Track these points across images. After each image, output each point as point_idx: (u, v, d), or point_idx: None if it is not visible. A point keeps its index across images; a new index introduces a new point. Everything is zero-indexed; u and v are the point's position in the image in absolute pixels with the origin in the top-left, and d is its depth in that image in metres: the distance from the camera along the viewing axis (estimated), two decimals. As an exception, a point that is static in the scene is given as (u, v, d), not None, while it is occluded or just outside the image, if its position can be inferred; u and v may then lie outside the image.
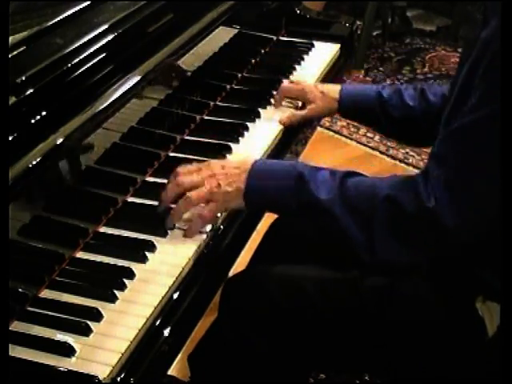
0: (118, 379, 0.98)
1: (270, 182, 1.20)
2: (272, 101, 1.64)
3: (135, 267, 1.14)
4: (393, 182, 1.15)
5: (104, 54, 1.25)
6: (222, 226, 1.26)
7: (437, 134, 1.18)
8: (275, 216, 1.59)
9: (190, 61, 1.52)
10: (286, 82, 1.67)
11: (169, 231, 1.22)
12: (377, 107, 1.56)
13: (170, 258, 1.17)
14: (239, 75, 1.74)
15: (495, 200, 1.04)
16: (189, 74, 1.52)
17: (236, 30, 1.73)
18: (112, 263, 1.15)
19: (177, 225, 1.23)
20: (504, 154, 1.00)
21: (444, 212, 1.06)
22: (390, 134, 1.70)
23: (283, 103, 1.64)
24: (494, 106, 1.04)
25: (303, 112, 1.61)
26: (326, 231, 1.21)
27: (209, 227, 1.23)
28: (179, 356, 1.13)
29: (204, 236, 1.22)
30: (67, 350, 1.00)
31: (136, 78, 1.29)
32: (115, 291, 1.10)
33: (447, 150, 1.10)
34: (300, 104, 1.64)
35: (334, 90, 1.60)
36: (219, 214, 1.25)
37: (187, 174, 1.23)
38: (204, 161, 1.38)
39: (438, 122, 1.24)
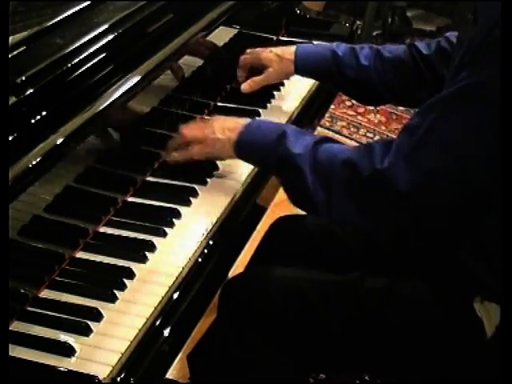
0: (118, 379, 0.98)
1: (259, 136, 1.27)
2: (276, 96, 1.66)
3: (135, 267, 1.14)
4: (354, 148, 1.21)
5: (104, 54, 1.25)
6: (222, 227, 1.26)
7: (390, 96, 1.19)
8: (275, 216, 1.59)
9: (190, 61, 1.52)
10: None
11: (169, 231, 1.22)
12: (332, 66, 1.56)
13: (170, 258, 1.17)
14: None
15: (450, 175, 1.08)
16: (189, 73, 1.52)
17: (236, 30, 1.73)
18: (112, 263, 1.16)
19: (176, 225, 1.23)
20: (504, 155, 1.00)
21: (395, 175, 1.09)
22: (346, 93, 1.70)
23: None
24: (466, 83, 1.06)
25: (262, 77, 1.60)
26: (293, 188, 1.23)
27: (209, 227, 1.23)
28: (179, 356, 1.13)
29: (204, 236, 1.22)
30: (67, 350, 1.01)
31: (136, 78, 1.29)
32: (115, 291, 1.10)
33: (418, 122, 1.12)
34: None
35: (288, 51, 1.60)
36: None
37: (195, 129, 1.36)
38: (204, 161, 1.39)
39: (390, 83, 1.32)
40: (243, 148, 1.29)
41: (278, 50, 1.61)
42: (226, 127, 1.30)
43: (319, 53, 1.59)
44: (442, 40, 1.49)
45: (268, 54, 1.60)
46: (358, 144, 3.14)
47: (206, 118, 1.40)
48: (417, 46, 1.52)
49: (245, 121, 1.31)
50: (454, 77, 1.11)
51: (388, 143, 1.14)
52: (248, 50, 1.66)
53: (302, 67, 1.58)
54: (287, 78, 1.66)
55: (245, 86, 1.60)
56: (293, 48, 1.59)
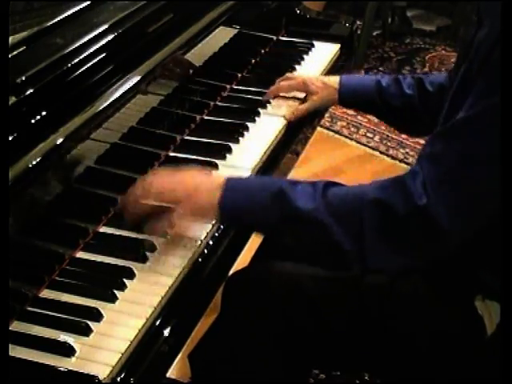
0: (118, 379, 0.98)
1: (248, 197, 1.14)
2: (271, 101, 1.65)
3: (135, 267, 1.14)
4: (378, 185, 1.10)
5: (104, 54, 1.25)
6: (222, 226, 1.26)
7: (435, 124, 1.17)
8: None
9: (190, 61, 1.52)
10: (282, 80, 1.67)
11: (169, 231, 1.22)
12: (376, 96, 1.57)
13: (170, 258, 1.17)
14: (239, 75, 1.74)
15: (489, 199, 1.04)
16: (190, 73, 1.52)
17: (236, 30, 1.73)
18: (112, 263, 1.16)
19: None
20: (504, 152, 1.00)
21: (437, 210, 1.03)
22: (390, 123, 1.70)
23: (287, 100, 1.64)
24: (486, 104, 1.04)
25: (307, 104, 1.62)
26: (311, 244, 1.13)
27: (209, 227, 1.23)
28: (179, 356, 1.13)
29: (204, 236, 1.22)
30: (67, 350, 1.00)
31: (136, 78, 1.29)
32: (115, 291, 1.10)
33: (440, 149, 1.08)
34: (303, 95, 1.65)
35: (334, 80, 1.61)
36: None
37: (161, 181, 1.19)
38: (204, 161, 1.39)
39: (435, 112, 1.23)
40: (230, 213, 1.15)
41: (324, 78, 1.64)
42: (199, 187, 1.15)
43: (363, 83, 1.60)
44: None
45: (314, 80, 1.62)
46: (367, 148, 3.14)
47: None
48: None
49: (217, 180, 1.15)
50: (464, 87, 1.09)
51: (415, 175, 1.06)
52: (289, 75, 1.68)
53: (346, 97, 1.60)
54: (330, 106, 1.68)
55: (290, 116, 1.59)
56: (337, 78, 1.61)
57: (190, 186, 1.16)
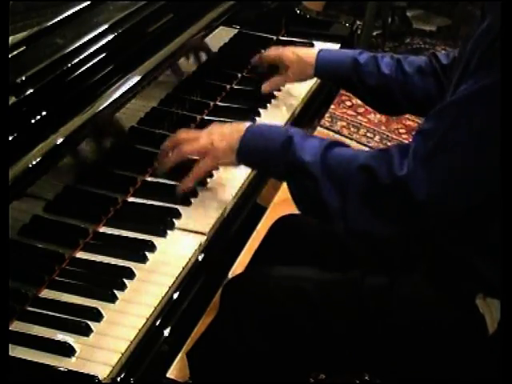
0: (118, 379, 0.98)
1: (262, 142, 1.23)
2: (276, 96, 1.66)
3: (135, 267, 1.14)
4: (369, 153, 1.17)
5: (104, 54, 1.25)
6: (222, 227, 1.26)
7: (410, 106, 1.18)
8: (275, 216, 1.59)
9: (191, 61, 1.52)
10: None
11: (168, 231, 1.22)
12: (353, 74, 1.56)
13: (170, 258, 1.17)
14: (239, 75, 1.74)
15: (472, 177, 1.07)
16: (190, 72, 1.52)
17: (236, 30, 1.73)
18: (112, 263, 1.16)
19: (176, 225, 1.23)
20: (503, 155, 1.00)
21: (415, 182, 1.07)
22: (365, 101, 1.68)
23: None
24: (477, 86, 1.05)
25: (282, 78, 1.63)
26: (306, 196, 1.20)
27: (209, 227, 1.24)
28: (179, 356, 1.13)
29: (204, 236, 1.22)
30: (67, 350, 1.01)
31: (136, 78, 1.29)
32: (115, 291, 1.10)
33: (431, 125, 1.11)
34: None
35: (310, 54, 1.60)
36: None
37: (186, 133, 1.31)
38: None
39: (411, 93, 1.28)
40: (246, 154, 1.25)
41: (301, 51, 1.63)
42: (224, 134, 1.26)
43: (340, 59, 1.59)
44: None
45: (290, 54, 1.62)
46: (366, 147, 3.15)
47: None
48: (437, 55, 1.51)
49: (244, 125, 1.27)
50: (463, 76, 1.11)
51: (405, 148, 1.11)
52: (272, 48, 1.69)
53: (321, 72, 1.60)
54: (305, 80, 1.66)
55: (265, 87, 1.62)
56: (315, 51, 1.60)
57: (216, 134, 1.27)
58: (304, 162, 1.16)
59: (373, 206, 1.12)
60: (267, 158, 1.23)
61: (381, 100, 1.58)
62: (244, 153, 1.24)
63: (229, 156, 1.25)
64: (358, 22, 2.08)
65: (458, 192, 1.09)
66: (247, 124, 1.28)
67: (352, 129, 3.29)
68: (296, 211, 1.25)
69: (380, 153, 1.16)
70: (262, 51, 1.70)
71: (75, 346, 1.01)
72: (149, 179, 1.35)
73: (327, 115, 3.24)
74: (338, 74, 1.59)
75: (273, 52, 1.66)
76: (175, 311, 1.10)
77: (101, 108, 1.20)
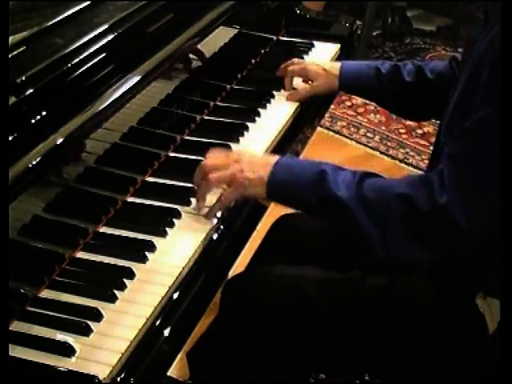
0: (118, 379, 0.98)
1: (294, 175, 1.21)
2: (276, 96, 1.66)
3: (135, 267, 1.14)
4: (408, 181, 1.16)
5: (104, 54, 1.25)
6: (222, 227, 1.26)
7: (435, 112, 1.17)
8: (275, 216, 1.59)
9: (190, 61, 1.52)
10: (287, 65, 1.70)
11: (169, 231, 1.22)
12: (375, 84, 1.58)
13: (170, 258, 1.17)
14: (239, 75, 1.74)
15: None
16: (190, 72, 1.52)
17: (236, 30, 1.73)
18: (112, 263, 1.16)
19: (176, 225, 1.23)
20: (504, 154, 1.00)
21: (456, 209, 1.07)
22: (390, 110, 1.73)
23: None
24: (497, 104, 1.05)
25: (308, 88, 1.65)
26: (342, 228, 1.21)
27: (209, 226, 1.24)
28: (179, 356, 1.13)
29: (204, 236, 1.22)
30: (67, 350, 1.01)
31: (136, 78, 1.29)
32: (115, 291, 1.10)
33: (458, 150, 1.11)
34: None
35: (335, 67, 1.63)
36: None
37: (214, 159, 1.27)
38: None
39: (433, 99, 1.26)
40: (277, 189, 1.22)
41: (326, 64, 1.66)
42: (254, 164, 1.23)
43: (363, 70, 1.61)
44: None
45: (315, 67, 1.64)
46: (367, 147, 3.15)
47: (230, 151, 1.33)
48: (457, 58, 1.51)
49: (274, 158, 1.24)
50: (473, 87, 1.10)
51: (440, 173, 1.11)
52: (295, 60, 1.70)
53: (345, 84, 1.62)
54: (331, 92, 1.69)
55: (290, 97, 1.64)
56: (339, 64, 1.63)
57: (246, 164, 1.24)
58: (337, 195, 1.15)
59: (414, 233, 1.12)
60: (298, 192, 1.20)
61: (405, 108, 1.61)
62: (274, 187, 1.21)
63: (258, 189, 1.22)
64: (358, 22, 2.08)
65: (491, 215, 1.08)
66: (277, 157, 1.25)
67: (352, 129, 3.29)
68: (296, 211, 1.25)
69: (418, 179, 1.15)
70: (289, 68, 1.69)
71: (75, 345, 1.01)
72: (149, 179, 1.35)
73: (327, 115, 3.23)
74: (361, 85, 1.62)
75: (297, 66, 1.67)
76: (175, 311, 1.10)
77: (101, 108, 1.20)
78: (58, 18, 1.26)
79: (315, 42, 1.92)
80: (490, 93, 1.07)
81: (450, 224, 1.08)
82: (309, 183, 1.18)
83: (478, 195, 1.08)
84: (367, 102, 3.28)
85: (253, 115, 1.57)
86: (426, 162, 1.20)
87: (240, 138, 1.49)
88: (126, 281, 1.12)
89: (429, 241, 1.12)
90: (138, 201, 1.30)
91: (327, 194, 1.16)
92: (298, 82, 1.69)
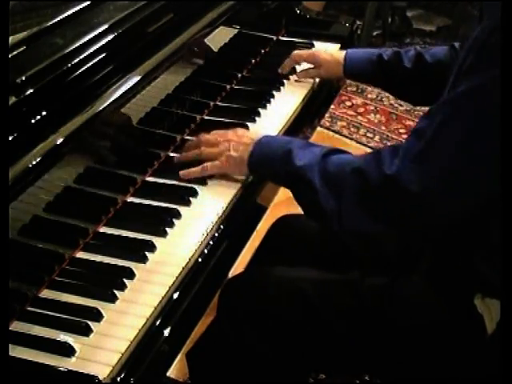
0: (118, 379, 0.98)
1: (269, 153, 1.29)
2: (276, 96, 1.66)
3: (135, 267, 1.14)
4: (363, 156, 1.21)
5: (104, 54, 1.25)
6: (222, 227, 1.26)
7: (435, 96, 1.20)
8: (275, 216, 1.59)
9: (190, 61, 1.52)
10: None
11: (169, 231, 1.22)
12: (378, 70, 1.64)
13: (170, 258, 1.17)
14: (239, 75, 1.74)
15: (459, 178, 1.08)
16: (189, 72, 1.52)
17: (236, 30, 1.73)
18: (112, 263, 1.16)
19: (176, 225, 1.24)
20: (504, 144, 1.01)
21: (406, 177, 1.09)
22: (395, 95, 1.79)
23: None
24: (467, 85, 1.07)
25: (314, 71, 1.71)
26: (303, 200, 1.24)
27: (209, 227, 1.24)
28: (179, 356, 1.13)
29: (204, 236, 1.22)
30: (67, 350, 1.01)
31: (136, 78, 1.29)
32: (115, 291, 1.10)
33: (425, 125, 1.12)
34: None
35: (340, 54, 1.69)
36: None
37: (211, 135, 1.37)
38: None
39: (434, 83, 1.33)
40: (256, 166, 1.30)
41: (332, 51, 1.76)
42: (240, 143, 1.32)
43: (366, 57, 1.66)
44: None
45: (323, 53, 1.71)
46: (367, 147, 3.15)
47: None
48: (455, 46, 1.54)
49: (256, 135, 1.33)
50: (457, 76, 1.11)
51: (395, 148, 1.14)
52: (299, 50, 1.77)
53: (349, 71, 1.67)
54: (336, 79, 1.76)
55: (300, 75, 1.73)
56: (343, 52, 1.69)
57: (233, 143, 1.33)
58: (300, 167, 1.21)
59: (367, 205, 1.14)
60: (270, 167, 1.28)
61: (407, 93, 1.67)
62: (253, 164, 1.30)
63: (240, 166, 1.31)
64: (358, 22, 2.08)
65: (450, 189, 1.09)
66: (261, 135, 1.33)
67: (352, 129, 3.29)
68: (296, 211, 1.26)
69: (371, 154, 1.19)
70: (296, 52, 1.75)
71: (75, 345, 1.01)
72: (149, 179, 1.35)
73: (327, 115, 3.23)
74: (364, 72, 1.67)
75: (305, 51, 1.75)
76: (175, 311, 1.10)
77: (101, 108, 1.20)
78: (58, 18, 1.26)
79: (315, 42, 1.92)
80: (464, 73, 1.09)
81: (399, 193, 1.10)
82: (278, 159, 1.25)
83: (431, 167, 1.09)
84: (367, 101, 3.29)
85: (253, 115, 1.57)
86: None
87: (240, 138, 1.49)
88: (126, 281, 1.12)
89: (381, 212, 1.14)
90: (138, 201, 1.30)
91: (292, 167, 1.22)
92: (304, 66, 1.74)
